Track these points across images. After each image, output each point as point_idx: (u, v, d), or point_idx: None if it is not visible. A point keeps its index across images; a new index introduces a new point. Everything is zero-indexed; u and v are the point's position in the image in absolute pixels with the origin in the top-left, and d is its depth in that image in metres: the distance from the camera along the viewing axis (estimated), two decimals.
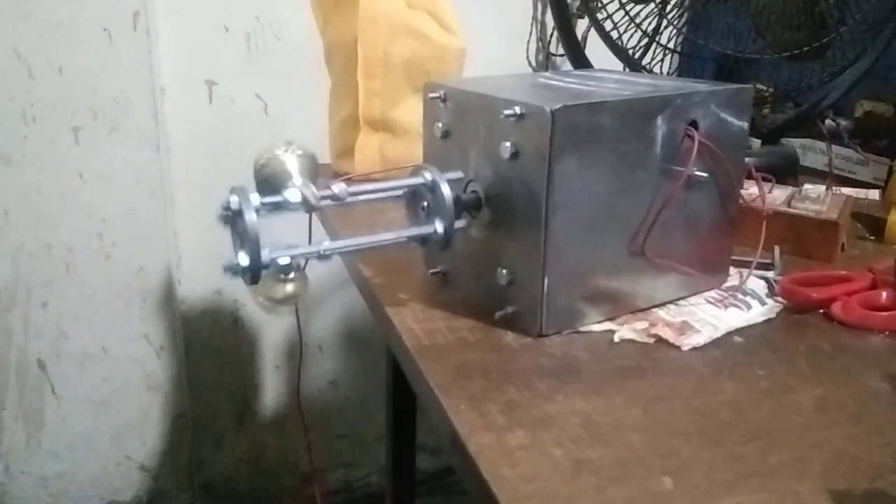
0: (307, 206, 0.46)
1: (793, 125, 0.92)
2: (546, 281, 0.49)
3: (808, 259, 0.66)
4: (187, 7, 1.16)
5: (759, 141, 0.91)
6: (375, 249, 0.51)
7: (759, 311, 0.56)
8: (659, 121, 0.51)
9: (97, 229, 1.19)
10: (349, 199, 0.48)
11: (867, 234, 0.75)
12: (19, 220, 1.15)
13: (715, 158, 0.54)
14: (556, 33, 1.31)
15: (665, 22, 0.93)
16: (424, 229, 0.51)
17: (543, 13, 1.34)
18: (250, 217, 0.44)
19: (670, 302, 0.57)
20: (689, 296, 0.58)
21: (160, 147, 1.18)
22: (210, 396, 1.38)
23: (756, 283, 0.60)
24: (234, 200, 0.44)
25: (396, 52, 0.85)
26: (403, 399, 0.96)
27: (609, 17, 0.92)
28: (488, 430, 0.40)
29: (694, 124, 0.53)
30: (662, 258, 0.54)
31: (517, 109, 0.47)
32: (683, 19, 0.94)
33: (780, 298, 0.58)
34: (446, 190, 0.50)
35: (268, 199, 0.45)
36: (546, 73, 0.95)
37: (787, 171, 0.86)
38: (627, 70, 0.95)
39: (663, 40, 0.94)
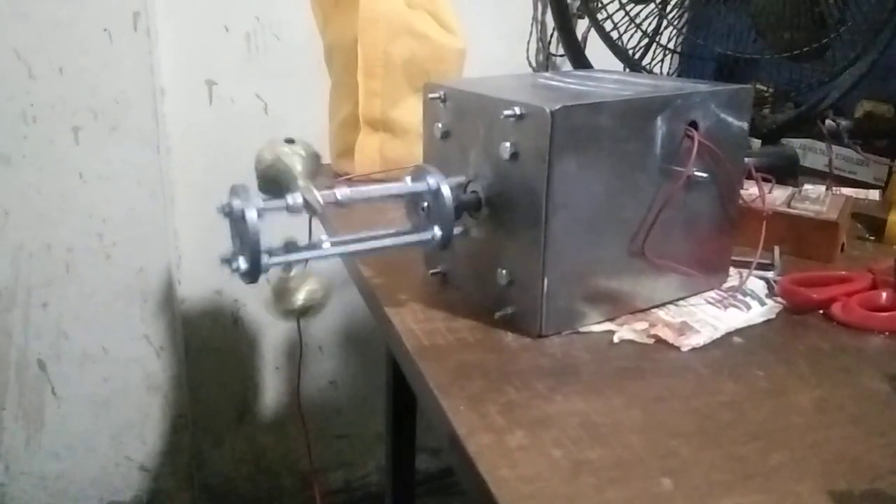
0: (310, 210, 0.46)
1: (793, 125, 0.92)
2: (546, 281, 0.49)
3: (808, 259, 0.66)
4: (187, 7, 1.16)
5: (759, 141, 0.91)
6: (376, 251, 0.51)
7: (758, 311, 0.56)
8: (659, 121, 0.51)
9: (97, 229, 1.19)
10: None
11: (867, 235, 0.75)
12: (19, 221, 1.15)
13: (715, 159, 0.54)
14: (556, 34, 1.31)
15: (665, 22, 0.93)
16: (424, 235, 0.51)
17: (543, 13, 1.34)
18: (252, 221, 0.44)
19: (670, 302, 0.57)
20: (689, 296, 0.58)
21: (160, 147, 1.18)
22: (210, 397, 1.38)
23: (756, 284, 0.60)
24: (237, 204, 0.44)
25: (396, 53, 0.85)
26: (403, 399, 0.96)
27: (609, 17, 0.92)
28: (488, 431, 0.40)
29: (694, 124, 0.53)
30: (662, 258, 0.54)
31: (517, 110, 0.47)
32: (683, 20, 0.94)
33: (779, 299, 0.58)
34: (447, 193, 0.50)
35: (270, 205, 0.45)
36: (546, 74, 0.95)
37: (787, 172, 0.86)
38: (627, 70, 0.95)
39: (663, 41, 0.94)
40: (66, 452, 1.30)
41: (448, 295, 0.58)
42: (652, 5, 0.92)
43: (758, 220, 0.60)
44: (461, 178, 0.52)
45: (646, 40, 0.93)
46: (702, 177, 0.53)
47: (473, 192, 0.53)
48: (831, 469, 0.38)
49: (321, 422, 1.46)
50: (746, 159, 0.60)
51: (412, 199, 0.53)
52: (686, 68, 0.99)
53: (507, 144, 0.48)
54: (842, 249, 0.68)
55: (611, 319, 0.54)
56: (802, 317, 0.56)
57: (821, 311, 0.56)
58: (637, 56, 0.94)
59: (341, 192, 0.47)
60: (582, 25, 1.02)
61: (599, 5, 0.92)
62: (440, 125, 0.56)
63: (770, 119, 0.93)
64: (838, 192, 0.78)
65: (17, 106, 1.10)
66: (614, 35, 0.92)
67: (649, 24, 0.93)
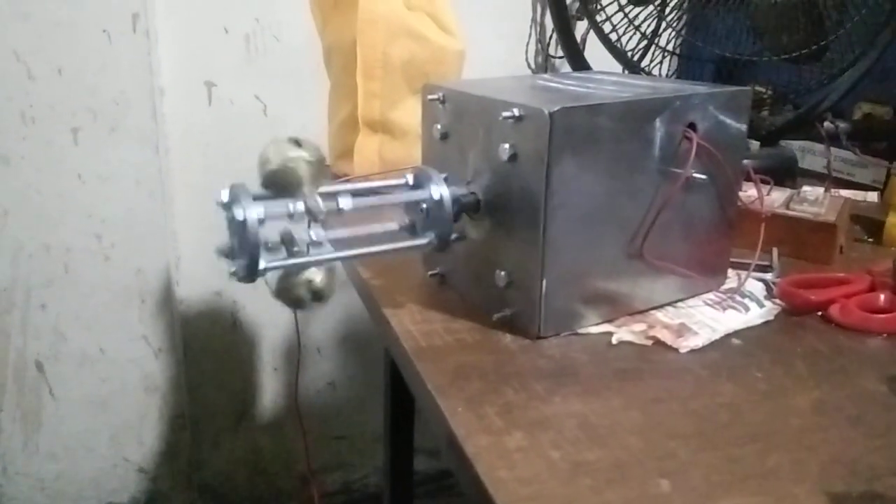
0: (310, 217, 0.47)
1: (791, 127, 0.92)
2: (544, 283, 0.49)
3: (807, 261, 0.66)
4: (187, 8, 1.16)
5: (758, 143, 0.91)
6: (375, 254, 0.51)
7: (757, 313, 0.56)
8: (657, 123, 0.51)
9: (96, 230, 1.19)
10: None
11: (865, 237, 0.75)
12: (18, 221, 1.15)
13: (713, 160, 0.54)
14: (555, 35, 1.31)
15: (664, 24, 0.93)
16: (422, 239, 0.51)
17: (543, 15, 1.34)
18: (252, 224, 0.44)
19: (668, 304, 0.57)
20: (688, 298, 0.58)
21: (159, 148, 1.18)
22: (208, 398, 1.38)
23: (754, 286, 0.60)
24: (239, 212, 0.44)
25: (395, 54, 0.85)
26: (401, 401, 0.96)
27: (608, 19, 0.92)
28: (486, 432, 0.40)
29: (692, 126, 0.53)
30: (661, 260, 0.54)
31: (516, 111, 0.47)
32: (682, 22, 0.94)
33: (778, 301, 0.58)
34: (447, 198, 0.50)
35: (272, 210, 0.45)
36: (545, 75, 0.95)
37: (785, 173, 0.86)
38: (626, 72, 0.95)
39: (662, 42, 0.94)
40: (64, 453, 1.29)
41: (446, 296, 0.58)
42: (651, 7, 0.92)
43: (756, 221, 0.60)
44: (463, 190, 0.52)
45: (644, 42, 0.94)
46: (700, 178, 0.53)
47: (472, 193, 0.53)
48: (829, 470, 0.38)
49: (319, 423, 1.46)
50: (745, 161, 0.60)
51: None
52: (685, 70, 0.99)
53: (506, 146, 0.48)
54: (840, 251, 0.68)
55: (609, 321, 0.54)
56: (801, 318, 0.56)
57: (819, 313, 0.56)
58: (636, 58, 0.94)
59: (344, 202, 0.48)
60: (581, 27, 1.02)
61: (598, 7, 0.92)
62: (439, 126, 0.56)
63: (769, 121, 0.93)
64: (837, 194, 0.78)
65: (17, 106, 1.10)
66: (613, 37, 0.92)
67: (648, 25, 0.93)
